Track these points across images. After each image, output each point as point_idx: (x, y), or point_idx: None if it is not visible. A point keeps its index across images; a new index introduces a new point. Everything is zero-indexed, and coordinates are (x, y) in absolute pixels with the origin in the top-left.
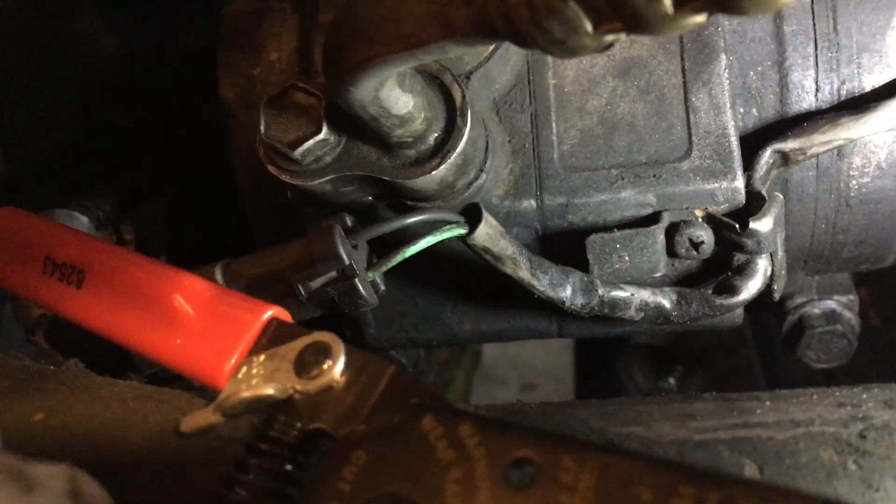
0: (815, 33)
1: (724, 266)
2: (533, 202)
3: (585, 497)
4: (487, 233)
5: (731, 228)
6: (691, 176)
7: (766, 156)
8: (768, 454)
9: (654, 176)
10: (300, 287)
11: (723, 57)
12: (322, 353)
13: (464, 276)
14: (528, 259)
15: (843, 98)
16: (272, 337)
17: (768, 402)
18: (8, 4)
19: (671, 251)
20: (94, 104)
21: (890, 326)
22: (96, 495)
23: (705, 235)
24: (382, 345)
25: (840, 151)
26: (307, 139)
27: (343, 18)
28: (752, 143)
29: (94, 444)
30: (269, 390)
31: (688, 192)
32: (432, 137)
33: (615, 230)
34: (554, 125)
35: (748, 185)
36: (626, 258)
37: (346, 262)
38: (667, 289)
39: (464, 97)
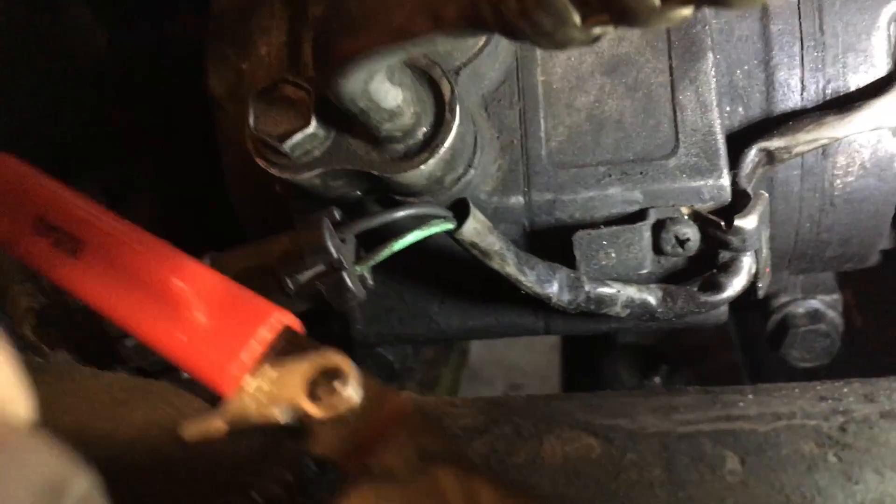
0: (801, 33)
1: (709, 263)
2: (521, 198)
3: None
4: (475, 228)
5: (717, 226)
6: (678, 173)
7: (752, 154)
8: (750, 446)
9: (641, 173)
10: (288, 280)
11: (710, 55)
12: (336, 377)
13: (451, 272)
14: (516, 255)
15: (828, 97)
16: (284, 347)
17: (751, 396)
18: None
19: (657, 248)
20: (85, 99)
21: (873, 326)
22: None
23: (691, 233)
24: (370, 340)
25: (825, 150)
26: (296, 132)
27: (332, 10)
28: (739, 141)
29: (80, 435)
30: (281, 414)
31: (674, 190)
32: (421, 132)
33: (602, 227)
34: (542, 122)
35: (734, 183)
36: (613, 255)
37: (335, 255)
38: (653, 286)
39: (453, 92)
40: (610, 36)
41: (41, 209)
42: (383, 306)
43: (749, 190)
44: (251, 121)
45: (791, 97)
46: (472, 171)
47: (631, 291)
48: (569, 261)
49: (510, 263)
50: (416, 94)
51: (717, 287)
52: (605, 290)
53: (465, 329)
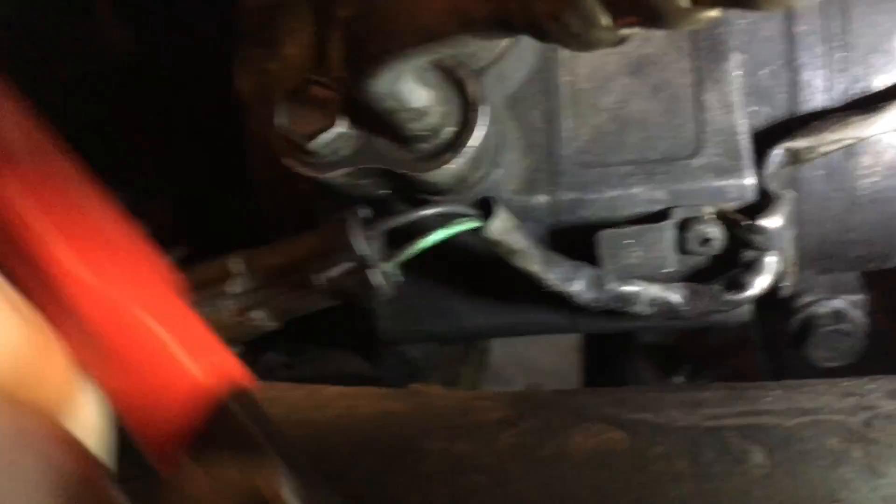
0: (826, 33)
1: (733, 262)
2: (545, 197)
3: None
4: (501, 226)
5: (742, 225)
6: (702, 173)
7: (777, 154)
8: (776, 440)
9: (666, 173)
10: (316, 278)
11: (734, 56)
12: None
13: (476, 270)
14: (540, 253)
15: (853, 97)
16: (220, 430)
17: (776, 392)
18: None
19: (681, 247)
20: (111, 99)
21: None
22: None
23: (715, 232)
24: (394, 338)
25: (850, 150)
26: (324, 132)
27: (364, 12)
28: (763, 141)
29: None
30: None
31: (699, 189)
32: (447, 131)
33: (626, 226)
34: (567, 121)
35: (759, 182)
36: (637, 253)
37: (362, 252)
38: (676, 284)
39: (479, 92)
40: (635, 37)
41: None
42: (408, 304)
43: (774, 189)
44: (279, 120)
45: (816, 97)
46: (497, 171)
47: (655, 290)
48: (593, 259)
49: (535, 261)
50: (443, 94)
51: (741, 286)
52: (629, 288)
53: (490, 327)
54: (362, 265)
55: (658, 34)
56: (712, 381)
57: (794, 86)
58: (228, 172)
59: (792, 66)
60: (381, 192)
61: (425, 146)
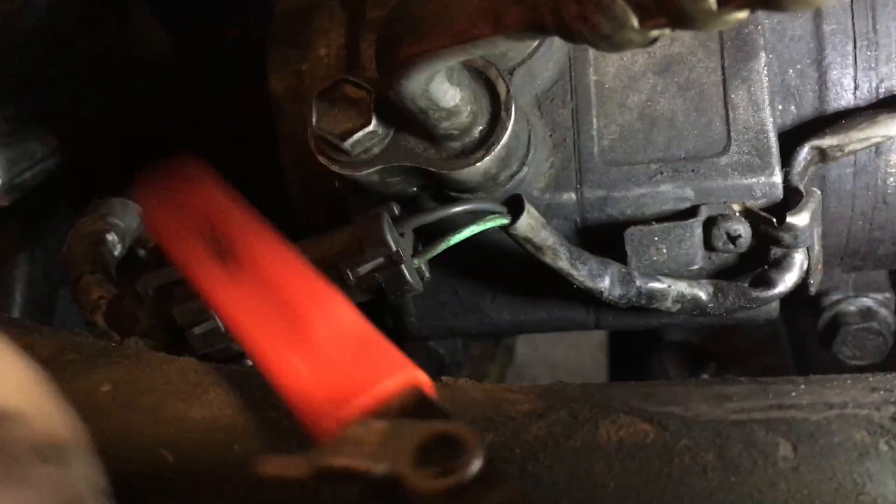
0: (853, 32)
1: (760, 260)
2: (573, 195)
3: None
4: (529, 223)
5: (768, 222)
6: (729, 171)
7: (804, 152)
8: (802, 434)
9: (693, 170)
10: (349, 273)
11: (762, 55)
12: (455, 449)
13: (503, 267)
14: (568, 250)
15: (881, 96)
16: (405, 406)
17: (803, 386)
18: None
19: (708, 244)
20: (146, 100)
21: None
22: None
23: (742, 229)
24: (423, 333)
25: (878, 149)
26: (357, 131)
27: (397, 14)
28: (791, 139)
29: (157, 414)
30: (378, 469)
31: (726, 187)
32: (477, 130)
33: (653, 223)
34: (594, 120)
35: (786, 180)
36: (664, 251)
37: (394, 248)
38: (703, 281)
39: (508, 92)
40: (663, 37)
41: (212, 217)
42: (437, 300)
43: (801, 187)
44: (314, 119)
45: (844, 96)
46: (525, 169)
47: (682, 286)
48: (620, 257)
49: (563, 258)
50: (473, 94)
51: (769, 283)
52: (657, 284)
53: (517, 323)
54: (394, 260)
55: (686, 34)
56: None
57: (821, 84)
58: (261, 170)
59: (820, 65)
60: (411, 190)
61: (455, 145)
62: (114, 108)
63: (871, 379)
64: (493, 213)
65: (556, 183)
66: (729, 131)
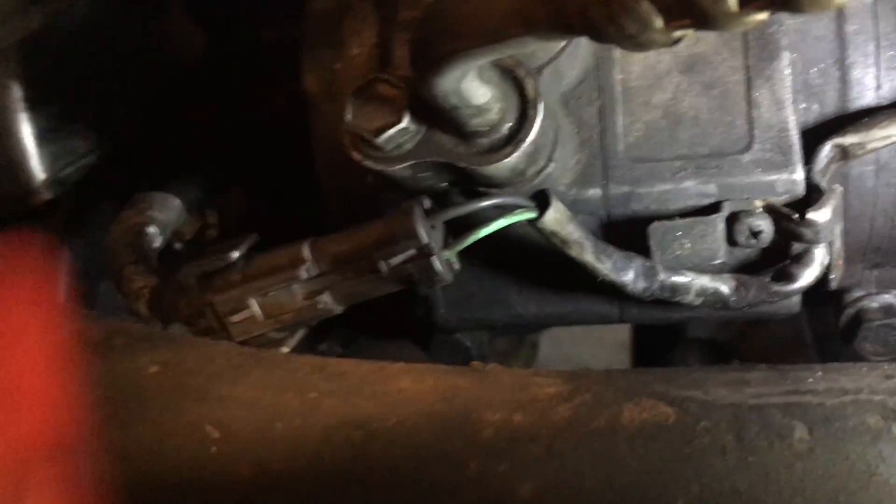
0: (876, 32)
1: (782, 255)
2: (598, 190)
3: None
4: (556, 217)
5: (790, 218)
6: (752, 168)
7: (826, 149)
8: (818, 418)
9: (716, 167)
10: (382, 263)
11: (785, 54)
12: None
13: (530, 261)
14: (593, 243)
15: None
16: None
17: (819, 373)
18: (105, 3)
19: (731, 239)
20: (182, 99)
21: None
22: None
23: (764, 225)
24: (450, 325)
25: None
26: (390, 127)
27: (432, 15)
28: (813, 137)
29: (204, 394)
30: None
31: (748, 183)
32: (506, 127)
33: (677, 218)
34: (620, 118)
35: (808, 177)
36: (687, 245)
37: (425, 240)
38: (726, 275)
39: (536, 90)
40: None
41: None
42: (465, 292)
43: (823, 184)
44: (348, 116)
45: (866, 95)
46: (552, 165)
47: (704, 280)
48: (644, 251)
49: (588, 252)
50: (503, 92)
51: (790, 277)
52: (679, 278)
53: (542, 315)
54: (425, 252)
55: (710, 34)
56: None
57: (844, 83)
58: (296, 166)
59: (842, 65)
60: (441, 185)
61: (485, 141)
62: (152, 105)
63: (885, 367)
64: (520, 207)
65: (582, 179)
66: (752, 129)
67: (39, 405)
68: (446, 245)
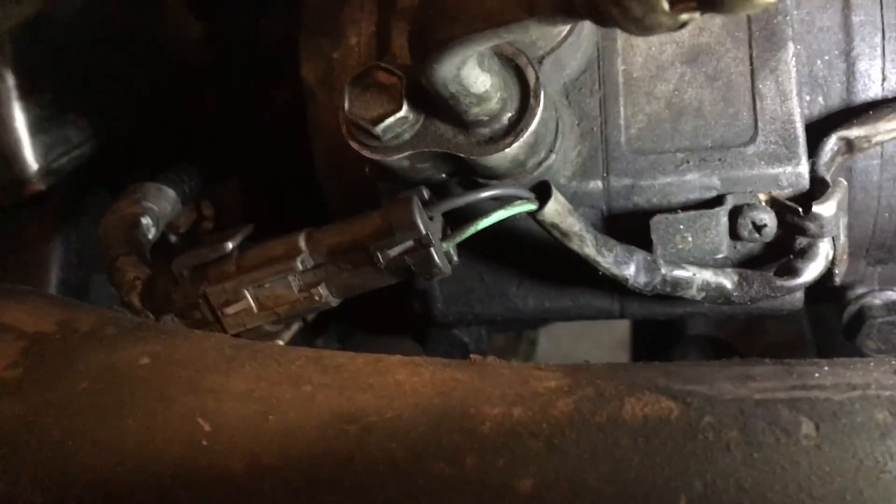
0: (882, 24)
1: (786, 249)
2: (599, 183)
3: None
4: (556, 209)
5: (794, 212)
6: (756, 160)
7: (831, 142)
8: (825, 413)
9: (720, 160)
10: (379, 255)
11: (790, 45)
12: None
13: (530, 254)
14: (594, 237)
15: None
16: None
17: (826, 368)
18: None
19: (734, 233)
20: (180, 89)
21: None
22: None
23: (768, 219)
24: (448, 320)
25: None
26: (388, 116)
27: (431, 0)
28: (818, 130)
29: (196, 386)
30: None
31: (752, 176)
32: (506, 117)
33: (679, 212)
34: (622, 109)
35: (812, 170)
36: (690, 239)
37: (423, 231)
38: (728, 269)
39: (537, 79)
40: (691, 24)
41: None
42: (463, 287)
43: (827, 178)
44: (346, 104)
45: (871, 87)
46: (553, 156)
47: (707, 275)
48: (646, 245)
49: (589, 245)
50: (503, 81)
51: (794, 272)
52: (682, 273)
53: (542, 310)
54: (424, 243)
55: (714, 23)
56: None
57: (849, 76)
58: (294, 156)
59: (848, 57)
60: (440, 176)
61: (485, 131)
62: (148, 96)
63: (893, 362)
64: (520, 198)
65: (583, 171)
66: (756, 121)
67: None
68: (445, 237)
